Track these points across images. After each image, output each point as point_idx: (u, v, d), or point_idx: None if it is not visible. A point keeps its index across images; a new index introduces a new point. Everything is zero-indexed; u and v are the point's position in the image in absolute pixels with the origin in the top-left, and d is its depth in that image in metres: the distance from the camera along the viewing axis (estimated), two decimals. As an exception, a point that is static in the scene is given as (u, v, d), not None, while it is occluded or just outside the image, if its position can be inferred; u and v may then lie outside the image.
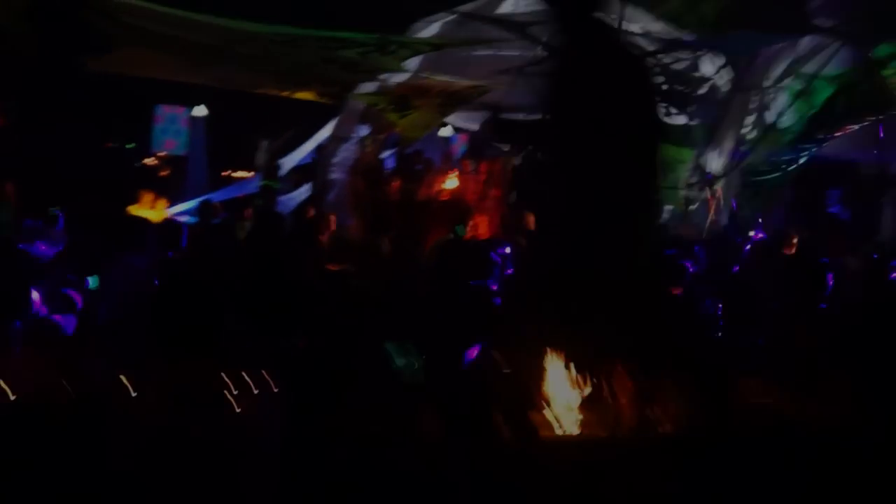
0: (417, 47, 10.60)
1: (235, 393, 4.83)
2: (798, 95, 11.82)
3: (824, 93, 11.77)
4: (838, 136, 12.01)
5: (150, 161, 15.21)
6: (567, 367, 5.02)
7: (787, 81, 11.91)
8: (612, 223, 3.52)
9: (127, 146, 15.72)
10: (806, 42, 11.49)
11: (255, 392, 4.85)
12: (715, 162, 12.27)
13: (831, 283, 7.23)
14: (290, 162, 13.44)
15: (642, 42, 11.89)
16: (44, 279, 6.09)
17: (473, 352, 4.60)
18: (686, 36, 13.43)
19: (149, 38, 9.58)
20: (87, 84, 11.10)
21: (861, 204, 12.21)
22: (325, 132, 12.89)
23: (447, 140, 13.88)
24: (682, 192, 12.58)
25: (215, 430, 4.57)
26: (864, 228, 11.55)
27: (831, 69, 11.31)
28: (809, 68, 11.59)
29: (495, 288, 6.44)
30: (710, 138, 12.36)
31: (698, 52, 12.22)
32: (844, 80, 11.44)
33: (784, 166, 12.04)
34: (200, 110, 15.38)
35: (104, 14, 9.03)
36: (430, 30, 11.21)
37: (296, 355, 5.67)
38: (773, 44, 11.60)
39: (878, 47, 11.04)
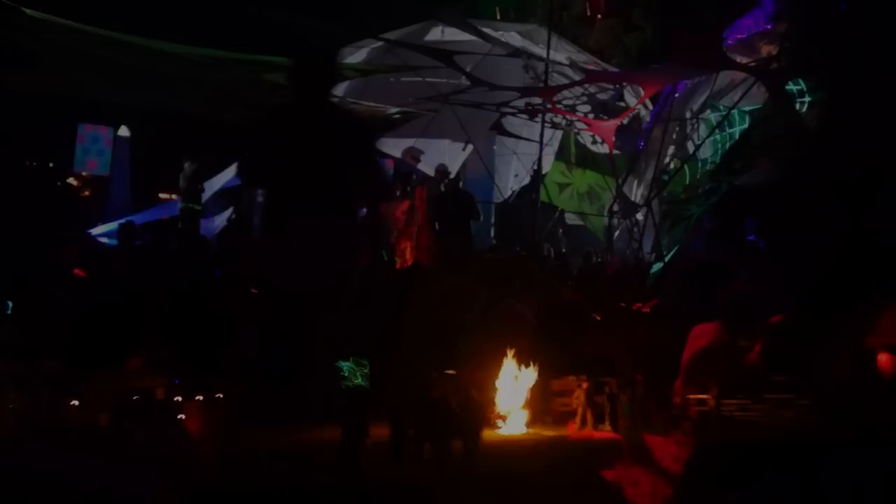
0: (345, 73, 10.63)
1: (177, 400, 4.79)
2: (716, 127, 12.18)
3: (741, 125, 12.16)
4: (755, 167, 12.37)
5: (71, 181, 14.91)
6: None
7: (705, 114, 12.27)
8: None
9: (48, 165, 15.39)
10: (723, 77, 11.87)
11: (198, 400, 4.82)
12: (637, 191, 12.54)
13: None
14: (215, 185, 13.30)
15: (568, 72, 12.17)
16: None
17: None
18: (610, 67, 13.78)
19: (71, 56, 9.42)
20: (6, 101, 10.86)
21: (775, 234, 12.55)
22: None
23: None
24: (605, 220, 12.83)
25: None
26: (777, 258, 11.86)
27: (747, 103, 11.68)
28: (726, 102, 11.96)
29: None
30: (632, 167, 12.63)
31: (622, 84, 12.53)
32: (759, 114, 11.83)
33: (704, 196, 12.34)
34: (124, 130, 15.14)
35: (24, 30, 8.86)
36: (357, 56, 11.28)
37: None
38: (692, 77, 11.95)
39: (789, 83, 11.45)
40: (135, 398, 4.76)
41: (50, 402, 4.50)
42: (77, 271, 8.09)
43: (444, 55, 10.67)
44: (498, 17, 15.18)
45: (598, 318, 7.63)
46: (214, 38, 10.14)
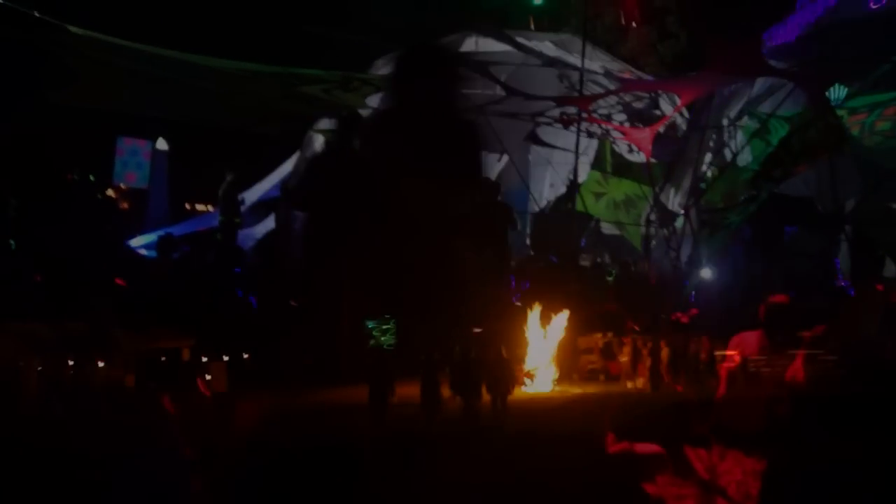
0: (380, 84, 10.66)
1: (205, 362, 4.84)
2: (754, 135, 12.03)
3: (780, 132, 12.00)
4: (795, 175, 12.21)
5: (111, 193, 15.09)
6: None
7: (743, 121, 12.14)
8: None
9: (89, 178, 15.57)
10: (761, 83, 11.73)
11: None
12: (674, 199, 12.43)
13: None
14: (253, 196, 13.41)
15: (603, 80, 12.11)
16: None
17: None
18: (645, 76, 13.69)
19: (112, 71, 9.56)
20: (50, 115, 11.05)
21: (818, 242, 12.38)
22: (287, 166, 12.89)
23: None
24: (642, 229, 12.72)
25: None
26: (821, 266, 11.70)
27: (786, 109, 11.53)
28: (765, 108, 11.81)
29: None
30: (668, 176, 12.52)
31: (657, 92, 12.43)
32: (799, 120, 11.67)
33: (742, 204, 12.20)
34: (162, 143, 15.33)
35: (68, 47, 9.02)
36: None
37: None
38: (729, 84, 11.83)
39: (831, 88, 11.29)
40: (161, 359, 4.81)
41: (76, 363, 4.54)
42: (118, 280, 8.22)
43: (479, 66, 10.66)
44: (532, 27, 15.19)
45: (637, 328, 7.62)
46: (251, 52, 10.25)
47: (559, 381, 6.06)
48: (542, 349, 5.97)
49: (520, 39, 11.67)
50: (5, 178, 10.74)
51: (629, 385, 6.09)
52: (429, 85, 4.10)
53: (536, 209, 13.56)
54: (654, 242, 12.46)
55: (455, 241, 4.24)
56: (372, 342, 4.34)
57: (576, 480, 3.76)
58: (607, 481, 3.90)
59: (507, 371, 4.88)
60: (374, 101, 10.85)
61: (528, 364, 5.96)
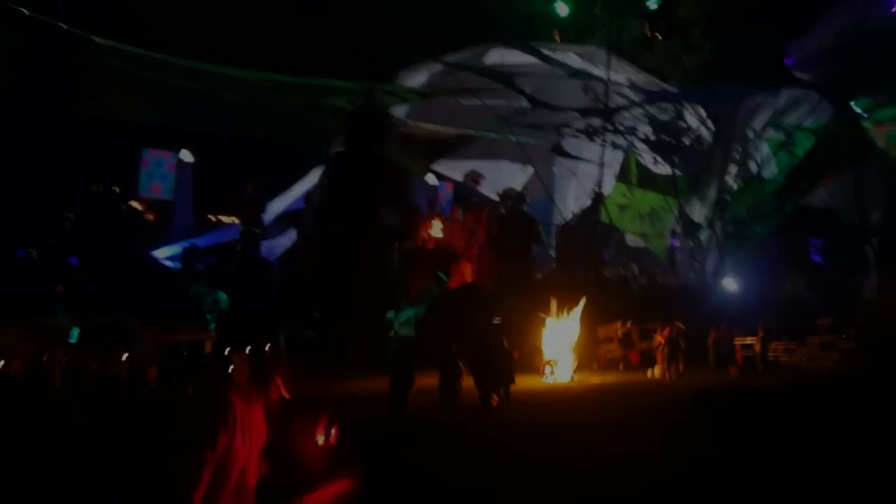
0: (405, 95, 10.68)
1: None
2: (780, 147, 11.95)
3: (805, 144, 11.91)
4: (820, 187, 12.12)
5: (136, 205, 15.16)
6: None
7: (768, 133, 12.06)
8: None
9: (114, 189, 15.68)
10: (787, 94, 11.65)
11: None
12: (699, 211, 12.35)
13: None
14: (276, 208, 13.44)
15: (628, 93, 12.07)
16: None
17: None
18: (670, 88, 13.63)
19: (135, 82, 9.62)
20: (75, 128, 11.14)
21: (844, 254, 12.26)
22: (312, 178, 12.90)
23: (433, 188, 13.95)
24: (667, 241, 12.66)
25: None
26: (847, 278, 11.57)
27: (812, 121, 11.45)
28: (790, 120, 11.73)
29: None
30: (694, 188, 12.45)
31: (682, 104, 12.37)
32: (825, 132, 11.59)
33: (768, 216, 12.12)
34: (187, 155, 15.38)
35: (91, 58, 9.08)
36: (417, 78, 11.33)
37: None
38: (754, 96, 11.76)
39: (857, 100, 11.20)
40: (184, 353, 4.81)
41: (99, 356, 4.55)
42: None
43: (504, 77, 10.66)
44: (557, 40, 15.17)
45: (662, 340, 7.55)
46: (276, 63, 10.28)
47: (578, 370, 6.06)
48: (561, 339, 5.98)
49: (545, 51, 11.65)
50: (65, 195, 10.88)
51: (649, 374, 6.08)
52: (370, 135, 5.09)
53: (561, 221, 13.50)
54: (679, 255, 12.39)
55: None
56: (392, 334, 4.57)
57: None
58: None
59: (510, 361, 4.96)
60: (398, 112, 10.88)
61: (547, 354, 5.97)
